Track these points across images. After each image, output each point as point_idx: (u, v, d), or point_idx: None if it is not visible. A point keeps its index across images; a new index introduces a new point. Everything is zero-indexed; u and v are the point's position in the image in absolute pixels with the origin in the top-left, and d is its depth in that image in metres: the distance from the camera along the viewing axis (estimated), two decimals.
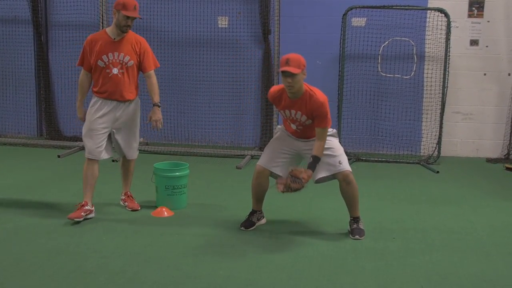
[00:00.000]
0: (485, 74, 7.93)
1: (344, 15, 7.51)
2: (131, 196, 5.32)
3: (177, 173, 5.25)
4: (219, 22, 8.12)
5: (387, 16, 7.76)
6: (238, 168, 7.02)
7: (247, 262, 4.02)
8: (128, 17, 4.78)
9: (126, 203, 5.23)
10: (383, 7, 7.54)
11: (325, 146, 4.46)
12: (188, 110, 8.28)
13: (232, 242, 4.42)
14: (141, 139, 8.26)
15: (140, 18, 5.13)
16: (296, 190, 4.28)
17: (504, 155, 7.86)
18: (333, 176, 4.53)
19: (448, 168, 7.36)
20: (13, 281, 3.62)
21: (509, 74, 7.88)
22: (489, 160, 7.82)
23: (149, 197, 5.44)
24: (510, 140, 7.86)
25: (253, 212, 4.80)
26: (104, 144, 4.94)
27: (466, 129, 8.06)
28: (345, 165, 4.51)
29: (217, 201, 5.57)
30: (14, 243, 4.28)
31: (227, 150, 7.86)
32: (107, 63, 4.83)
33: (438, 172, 7.09)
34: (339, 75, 7.68)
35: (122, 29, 4.83)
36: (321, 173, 4.51)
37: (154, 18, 8.12)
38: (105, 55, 4.82)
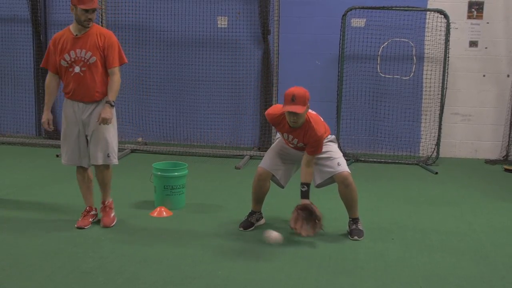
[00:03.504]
0: (484, 76, 7.93)
1: (343, 15, 7.51)
2: (110, 207, 4.81)
3: (175, 173, 5.24)
4: (218, 22, 8.12)
5: (386, 17, 7.76)
6: (237, 168, 7.02)
7: (246, 263, 4.01)
8: (86, 10, 4.40)
9: (102, 215, 4.76)
10: (383, 8, 7.54)
11: (324, 150, 4.49)
12: (187, 110, 8.28)
13: (231, 243, 4.42)
14: (140, 139, 8.26)
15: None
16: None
17: (503, 157, 7.87)
18: (332, 180, 4.55)
19: (447, 169, 7.36)
20: (12, 281, 3.61)
21: (508, 76, 7.88)
22: (488, 162, 7.83)
23: (148, 197, 5.43)
24: (509, 142, 7.86)
25: (252, 213, 4.80)
26: (80, 150, 4.62)
27: (465, 130, 8.06)
28: (344, 167, 4.52)
29: (216, 201, 5.57)
30: (12, 243, 4.27)
31: (226, 150, 7.85)
32: (69, 61, 4.47)
33: (437, 173, 7.09)
34: (338, 76, 7.68)
35: (84, 24, 4.44)
36: (321, 177, 4.55)
37: (154, 18, 8.11)
38: (67, 54, 4.47)
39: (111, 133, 4.65)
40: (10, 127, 8.51)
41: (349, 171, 4.54)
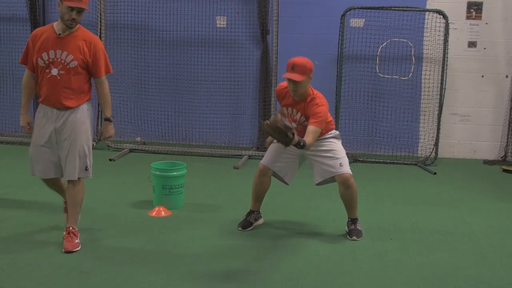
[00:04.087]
0: (482, 76, 7.93)
1: (342, 15, 7.51)
2: (73, 233, 4.17)
3: (174, 173, 5.24)
4: (217, 21, 8.11)
5: (385, 17, 7.76)
6: (236, 168, 7.01)
7: (244, 263, 4.01)
8: (72, 9, 3.99)
9: (64, 241, 4.15)
10: (382, 8, 7.54)
11: (327, 148, 4.48)
12: (186, 110, 8.27)
13: (230, 242, 4.42)
14: (138, 139, 8.26)
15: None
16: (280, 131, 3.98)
17: (501, 157, 7.87)
18: (333, 179, 4.54)
19: (446, 169, 7.36)
20: (10, 280, 3.61)
21: (506, 76, 7.88)
22: (486, 162, 7.83)
23: (147, 196, 5.43)
24: (507, 142, 7.86)
25: (250, 212, 4.80)
26: (52, 161, 4.18)
27: (463, 131, 8.07)
28: (346, 168, 4.50)
29: (215, 201, 5.57)
30: (10, 242, 4.27)
31: (224, 150, 7.85)
32: (47, 62, 4.06)
33: (435, 173, 7.09)
34: (337, 76, 7.68)
35: (67, 23, 4.02)
36: (322, 176, 4.53)
37: (152, 18, 8.10)
38: (45, 53, 4.05)
39: (89, 143, 4.22)
40: (9, 126, 8.49)
41: (350, 172, 4.52)
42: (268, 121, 3.95)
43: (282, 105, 4.55)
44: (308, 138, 4.22)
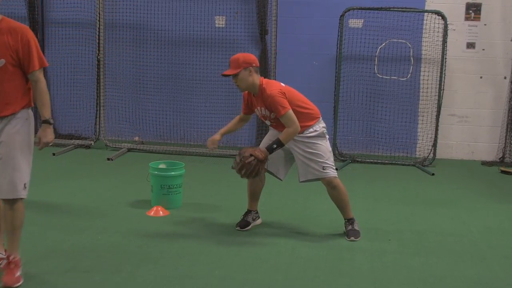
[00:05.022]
0: (481, 77, 7.95)
1: (341, 16, 7.51)
2: (14, 263, 3.52)
3: (172, 173, 5.24)
4: (216, 21, 8.11)
5: (384, 18, 7.77)
6: (234, 168, 6.98)
7: (243, 262, 4.01)
8: None
9: (3, 272, 3.51)
10: (381, 8, 7.55)
11: (311, 151, 4.44)
12: (184, 110, 8.27)
13: (228, 242, 4.42)
14: (137, 138, 8.25)
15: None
16: (253, 169, 4.34)
17: (499, 158, 7.88)
18: (317, 179, 4.54)
19: (444, 170, 7.37)
20: None
21: (505, 78, 7.89)
22: (484, 163, 7.84)
23: (145, 196, 5.42)
24: (505, 143, 7.87)
25: (248, 212, 4.79)
26: None
27: (461, 132, 8.08)
28: (329, 171, 4.47)
29: (213, 201, 5.56)
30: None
31: (222, 150, 7.84)
32: None
33: (433, 174, 7.10)
34: (335, 76, 7.69)
35: None
36: (305, 176, 4.53)
37: (151, 17, 8.10)
38: None
39: (28, 157, 3.62)
40: None
41: (334, 175, 4.49)
42: (235, 168, 4.44)
43: (253, 109, 4.65)
44: (283, 132, 4.35)
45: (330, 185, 4.50)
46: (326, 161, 4.48)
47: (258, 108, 4.54)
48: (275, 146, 4.34)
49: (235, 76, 4.42)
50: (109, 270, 3.78)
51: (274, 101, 4.33)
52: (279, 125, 4.46)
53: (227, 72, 4.46)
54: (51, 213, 4.93)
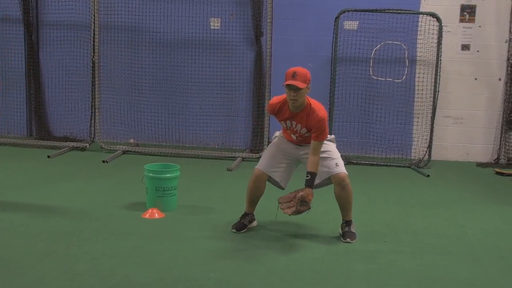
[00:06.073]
0: (476, 79, 7.97)
1: (336, 18, 7.52)
2: None
3: (167, 175, 5.23)
4: (211, 23, 8.11)
5: (379, 20, 7.78)
6: (229, 170, 7.00)
7: (238, 265, 4.00)
8: None
9: None
10: (376, 10, 7.56)
11: (322, 149, 4.46)
12: (179, 112, 8.26)
13: (223, 245, 4.41)
14: (132, 140, 8.23)
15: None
16: (303, 212, 4.32)
17: (494, 160, 7.90)
18: (329, 180, 4.53)
19: (439, 172, 7.38)
20: (3, 282, 3.58)
21: (499, 79, 7.92)
22: (479, 164, 7.86)
23: (140, 198, 5.41)
24: (500, 145, 7.90)
25: (245, 215, 4.78)
26: None
27: (456, 133, 8.09)
28: (342, 168, 4.52)
29: (208, 203, 5.55)
30: (3, 244, 4.24)
31: (218, 152, 7.84)
32: None
33: (428, 175, 7.11)
34: (330, 78, 7.69)
35: None
36: (319, 177, 4.50)
37: (146, 19, 8.09)
38: None
39: None
40: (1, 127, 8.45)
41: (346, 172, 4.53)
42: (289, 214, 4.30)
43: (280, 120, 4.54)
44: (313, 158, 4.34)
45: (341, 183, 4.49)
46: (338, 159, 4.54)
47: (289, 122, 4.48)
48: (313, 180, 4.35)
49: (299, 90, 4.27)
50: (104, 273, 3.77)
51: (322, 126, 4.34)
52: (303, 141, 4.51)
53: (297, 84, 4.22)
54: (46, 216, 4.91)
